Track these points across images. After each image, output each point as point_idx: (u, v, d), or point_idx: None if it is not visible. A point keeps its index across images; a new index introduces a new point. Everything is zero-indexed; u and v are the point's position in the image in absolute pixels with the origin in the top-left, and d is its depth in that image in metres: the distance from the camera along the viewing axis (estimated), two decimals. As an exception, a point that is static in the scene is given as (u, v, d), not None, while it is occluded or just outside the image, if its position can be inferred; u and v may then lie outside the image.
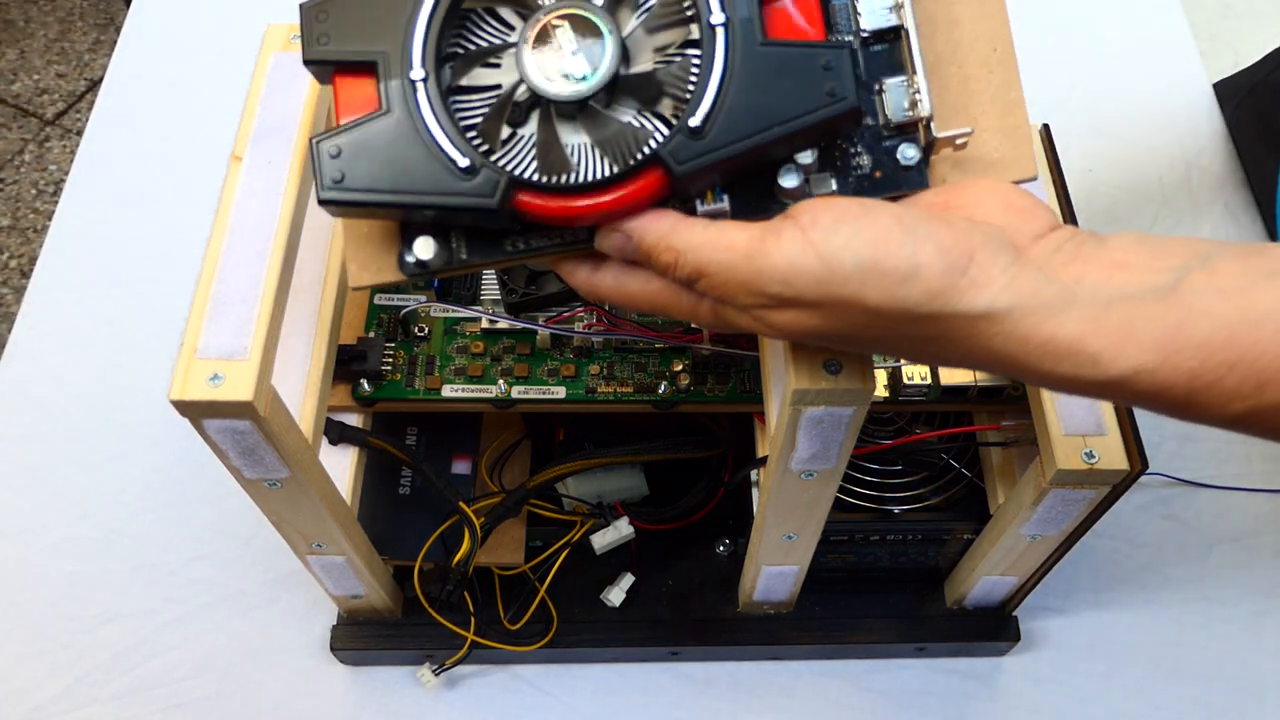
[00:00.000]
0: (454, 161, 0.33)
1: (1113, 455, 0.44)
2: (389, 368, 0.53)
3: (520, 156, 0.34)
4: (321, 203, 0.34)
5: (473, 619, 0.57)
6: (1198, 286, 0.31)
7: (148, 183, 0.81)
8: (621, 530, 0.57)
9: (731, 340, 0.54)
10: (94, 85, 1.71)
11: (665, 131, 0.34)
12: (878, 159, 0.35)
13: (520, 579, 0.58)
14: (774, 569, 0.55)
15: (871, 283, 0.31)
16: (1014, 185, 0.35)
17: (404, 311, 0.55)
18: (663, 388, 0.53)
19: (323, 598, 0.57)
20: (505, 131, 0.35)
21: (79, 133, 1.58)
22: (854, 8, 0.36)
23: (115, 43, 0.90)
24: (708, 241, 0.33)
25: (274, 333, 0.40)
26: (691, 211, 0.34)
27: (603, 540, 0.57)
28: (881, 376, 0.52)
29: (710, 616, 0.61)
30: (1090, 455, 0.44)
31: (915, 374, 0.51)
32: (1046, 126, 0.55)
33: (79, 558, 0.64)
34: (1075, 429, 0.45)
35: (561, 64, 0.34)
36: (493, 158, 0.34)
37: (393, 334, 0.55)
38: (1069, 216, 0.51)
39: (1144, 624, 0.64)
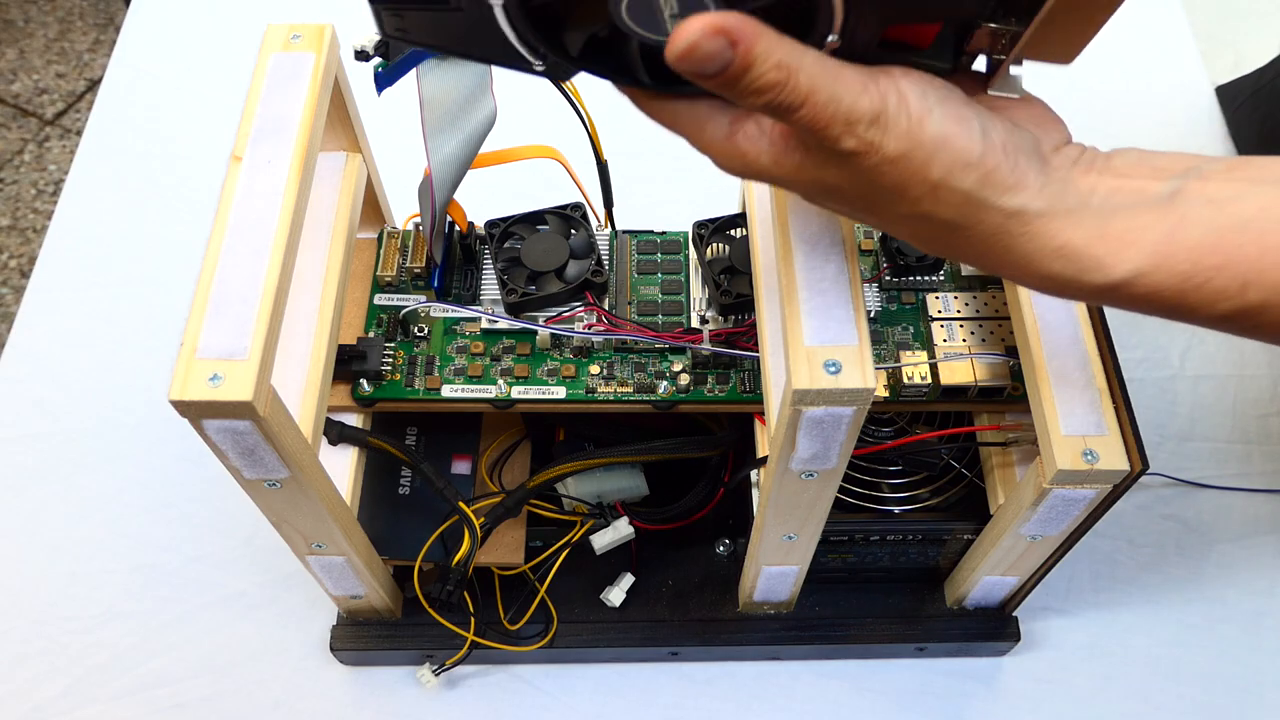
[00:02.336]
0: None
1: (1113, 455, 0.44)
2: (389, 368, 0.53)
3: None
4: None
5: (473, 619, 0.57)
6: (1191, 196, 0.33)
7: (148, 183, 0.81)
8: (621, 530, 0.57)
9: (731, 340, 0.54)
10: (94, 85, 1.71)
11: None
12: None
13: (520, 579, 0.58)
14: (774, 569, 0.55)
15: (939, 157, 0.32)
16: (1038, 98, 0.37)
17: (404, 311, 0.55)
18: (663, 388, 0.53)
19: (323, 598, 0.57)
20: None
21: (79, 133, 1.58)
22: None
23: (115, 43, 0.90)
24: (822, 70, 0.31)
25: (274, 333, 0.40)
26: None
27: (603, 540, 0.57)
28: (882, 376, 0.52)
29: (710, 616, 0.61)
30: (1090, 455, 0.44)
31: (915, 374, 0.51)
32: (1046, 126, 0.55)
33: (79, 558, 0.64)
34: (1075, 429, 0.45)
35: None
36: None
37: (392, 334, 0.55)
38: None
39: (1144, 624, 0.64)
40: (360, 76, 0.47)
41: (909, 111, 0.31)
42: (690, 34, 0.28)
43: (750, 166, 0.34)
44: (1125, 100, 0.85)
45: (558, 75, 0.34)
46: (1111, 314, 0.48)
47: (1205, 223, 0.33)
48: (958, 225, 0.34)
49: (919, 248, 0.36)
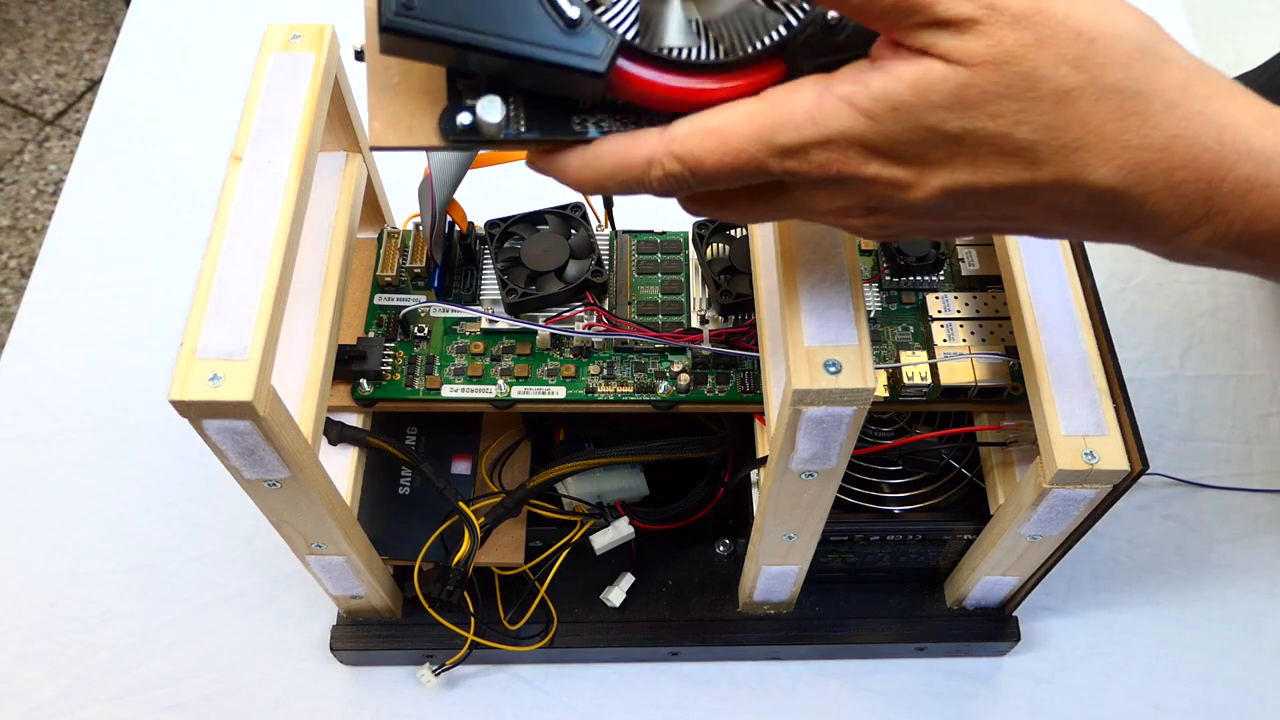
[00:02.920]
0: (560, 10, 0.30)
1: (1113, 455, 0.44)
2: (389, 368, 0.53)
3: (621, 20, 0.30)
4: (383, 30, 0.29)
5: (473, 619, 0.57)
6: None
7: (148, 183, 0.81)
8: (621, 530, 0.57)
9: (731, 340, 0.54)
10: (94, 85, 1.71)
11: (793, 20, 0.31)
12: None
13: (520, 579, 0.58)
14: (774, 569, 0.55)
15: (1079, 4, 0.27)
16: None
17: (404, 311, 0.55)
18: (663, 388, 0.53)
19: (323, 598, 0.57)
20: None
21: (79, 133, 1.58)
22: None
23: (115, 42, 0.90)
24: None
25: (274, 333, 0.40)
26: None
27: (603, 540, 0.57)
28: (882, 376, 0.52)
29: (710, 616, 0.61)
30: (1090, 455, 0.44)
31: (915, 374, 0.51)
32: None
33: (79, 558, 0.64)
34: (1075, 429, 0.45)
35: None
36: (597, 12, 0.30)
37: (392, 334, 0.55)
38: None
39: (1144, 624, 0.64)
40: (360, 76, 0.47)
41: None
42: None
43: (845, 128, 0.29)
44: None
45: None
46: (1111, 314, 0.48)
47: None
48: (1137, 91, 0.27)
49: (1067, 223, 0.30)
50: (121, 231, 0.78)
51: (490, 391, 0.53)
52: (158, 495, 0.66)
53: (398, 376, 0.53)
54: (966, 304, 0.54)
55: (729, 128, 0.30)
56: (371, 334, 0.55)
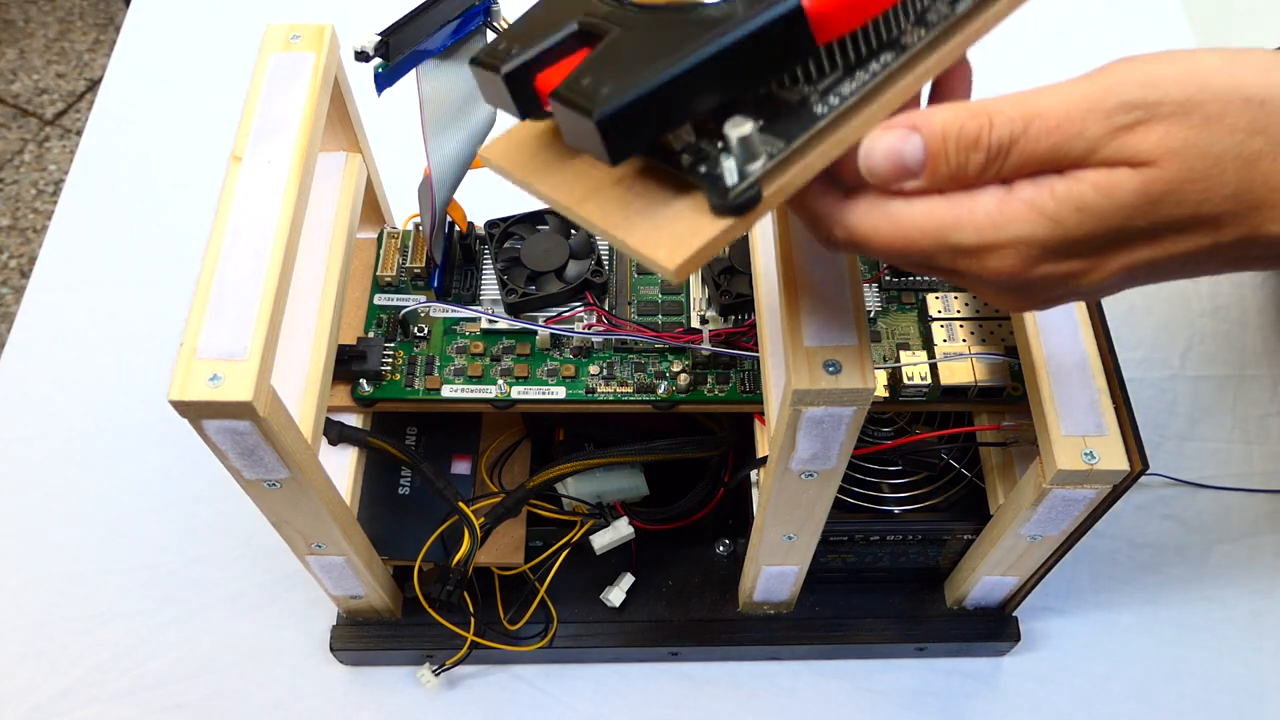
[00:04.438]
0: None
1: (1113, 455, 0.44)
2: (389, 368, 0.53)
3: None
4: (600, 122, 0.27)
5: (472, 619, 0.57)
6: None
7: (148, 183, 0.81)
8: (621, 530, 0.57)
9: (731, 340, 0.54)
10: (94, 85, 1.71)
11: None
12: None
13: (520, 579, 0.58)
14: (774, 569, 0.55)
15: (1244, 65, 0.28)
16: None
17: (404, 311, 0.55)
18: (663, 388, 0.53)
19: (323, 598, 0.57)
20: None
21: (78, 132, 1.58)
22: None
23: (115, 42, 0.90)
24: (1029, 94, 0.29)
25: (274, 333, 0.40)
26: None
27: (603, 540, 0.57)
28: (882, 376, 0.52)
29: (710, 616, 0.61)
30: (1090, 455, 0.44)
31: (915, 374, 0.51)
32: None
33: (79, 558, 0.64)
34: (1075, 429, 0.45)
35: None
36: None
37: (392, 334, 0.55)
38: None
39: (1144, 624, 0.64)
40: (360, 76, 0.47)
41: (1172, 58, 0.29)
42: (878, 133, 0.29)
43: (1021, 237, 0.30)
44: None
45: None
46: (1111, 314, 0.48)
47: None
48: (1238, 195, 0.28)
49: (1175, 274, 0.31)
50: (121, 231, 0.78)
51: (490, 391, 0.53)
52: (158, 495, 0.66)
53: (398, 376, 0.53)
54: (966, 304, 0.54)
55: (907, 218, 0.30)
56: (371, 334, 0.55)
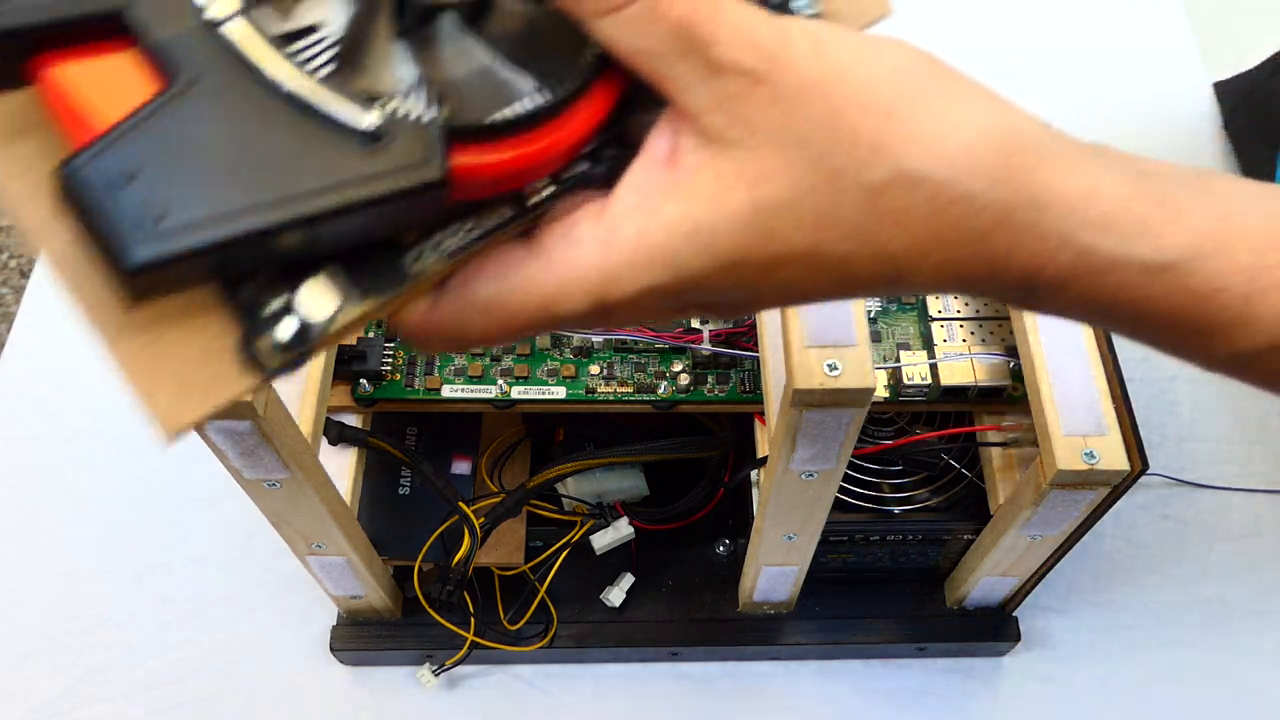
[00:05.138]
0: (352, 126, 0.21)
1: (1113, 455, 0.44)
2: (389, 368, 0.53)
3: (423, 105, 0.23)
4: (135, 271, 0.19)
5: (473, 619, 0.56)
6: (1226, 186, 0.25)
7: (147, 182, 0.81)
8: (621, 530, 0.57)
9: (731, 340, 0.54)
10: (94, 85, 1.71)
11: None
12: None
13: (520, 579, 0.58)
14: (774, 569, 0.55)
15: (878, 70, 0.23)
16: None
17: (404, 311, 0.55)
18: (663, 388, 0.53)
19: (323, 598, 0.57)
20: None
21: (79, 132, 1.58)
22: None
23: (115, 42, 0.90)
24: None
25: (274, 333, 0.40)
26: None
27: (603, 540, 0.57)
28: (882, 376, 0.52)
29: (710, 616, 0.60)
30: (1090, 455, 0.44)
31: (915, 374, 0.51)
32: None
33: (79, 558, 0.64)
34: (1075, 429, 0.45)
35: None
36: (389, 110, 0.22)
37: (392, 334, 0.55)
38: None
39: (1144, 624, 0.64)
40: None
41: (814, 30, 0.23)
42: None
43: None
44: (1124, 97, 0.85)
45: None
46: (1111, 314, 0.49)
47: (1258, 210, 0.24)
48: (949, 184, 0.23)
49: (858, 291, 0.25)
50: (121, 231, 0.78)
51: (490, 391, 0.53)
52: (158, 495, 0.66)
53: (398, 376, 0.53)
54: (966, 304, 0.54)
55: (503, 302, 0.24)
56: (371, 334, 0.55)
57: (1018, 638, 0.60)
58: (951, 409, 0.54)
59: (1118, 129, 0.83)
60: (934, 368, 0.52)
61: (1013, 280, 0.24)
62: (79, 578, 0.64)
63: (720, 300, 0.25)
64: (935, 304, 0.54)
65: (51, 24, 0.21)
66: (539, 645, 0.58)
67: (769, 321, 0.48)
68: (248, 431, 0.39)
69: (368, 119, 0.21)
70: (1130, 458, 0.44)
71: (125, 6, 0.21)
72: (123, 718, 0.59)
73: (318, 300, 0.22)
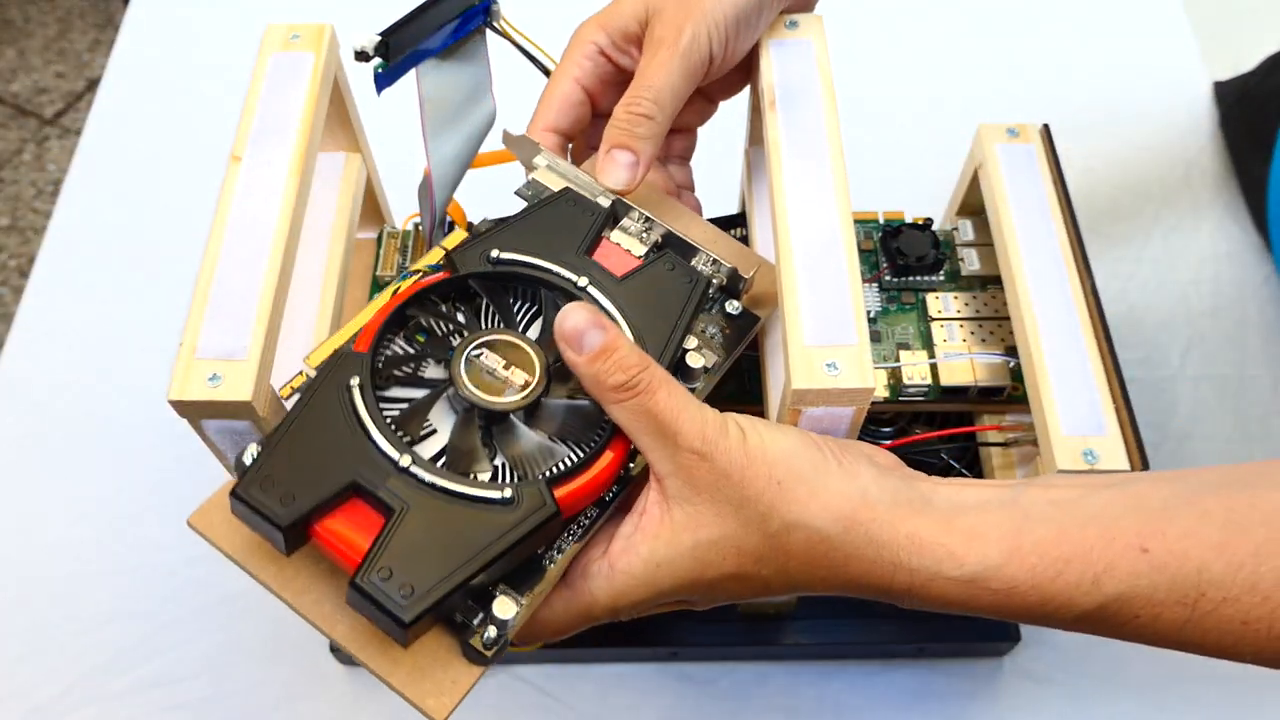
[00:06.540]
0: (496, 500, 0.34)
1: (1113, 455, 0.44)
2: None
3: (533, 469, 0.37)
4: (407, 625, 0.32)
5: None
6: (1034, 497, 0.35)
7: (147, 183, 0.81)
8: (621, 531, 0.57)
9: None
10: (93, 85, 1.71)
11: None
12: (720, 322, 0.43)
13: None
14: (774, 569, 0.55)
15: (779, 454, 0.36)
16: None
17: (404, 312, 0.55)
18: (663, 388, 0.53)
19: (322, 598, 0.57)
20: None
21: (78, 132, 1.58)
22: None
23: (114, 42, 0.90)
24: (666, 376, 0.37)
25: (273, 333, 0.40)
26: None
27: (603, 541, 0.57)
28: (882, 376, 0.52)
29: (710, 616, 0.60)
30: (1090, 455, 0.44)
31: (915, 374, 0.51)
32: (1046, 126, 0.55)
33: (79, 558, 0.64)
34: (1075, 429, 0.45)
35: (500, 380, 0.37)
36: (509, 480, 0.36)
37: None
38: (1069, 217, 0.51)
39: (1144, 624, 0.63)
40: (360, 76, 0.47)
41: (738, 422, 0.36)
42: (575, 317, 0.35)
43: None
44: (1125, 98, 0.85)
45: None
46: (1111, 314, 0.48)
47: (1050, 520, 0.34)
48: (821, 541, 0.35)
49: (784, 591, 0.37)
50: (121, 231, 0.78)
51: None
52: (158, 495, 0.66)
53: (398, 376, 0.54)
54: (966, 304, 0.54)
55: (555, 619, 0.37)
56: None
57: (1018, 638, 0.60)
58: (951, 409, 0.54)
59: (1118, 129, 0.83)
60: (934, 367, 0.52)
61: (873, 592, 0.35)
62: (79, 578, 0.64)
63: (689, 600, 0.37)
64: (935, 304, 0.54)
65: (323, 500, 0.34)
66: (539, 645, 0.58)
67: (769, 321, 0.48)
68: (247, 431, 0.39)
69: (503, 493, 0.34)
70: (1130, 458, 0.44)
71: (356, 477, 0.34)
72: (123, 718, 0.59)
73: (504, 608, 0.35)
